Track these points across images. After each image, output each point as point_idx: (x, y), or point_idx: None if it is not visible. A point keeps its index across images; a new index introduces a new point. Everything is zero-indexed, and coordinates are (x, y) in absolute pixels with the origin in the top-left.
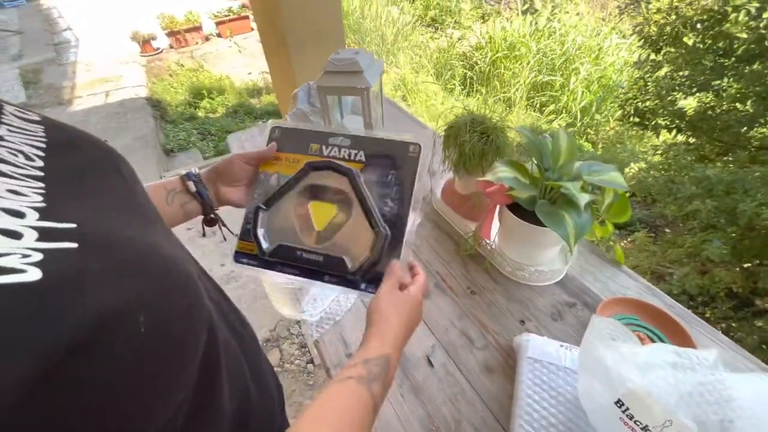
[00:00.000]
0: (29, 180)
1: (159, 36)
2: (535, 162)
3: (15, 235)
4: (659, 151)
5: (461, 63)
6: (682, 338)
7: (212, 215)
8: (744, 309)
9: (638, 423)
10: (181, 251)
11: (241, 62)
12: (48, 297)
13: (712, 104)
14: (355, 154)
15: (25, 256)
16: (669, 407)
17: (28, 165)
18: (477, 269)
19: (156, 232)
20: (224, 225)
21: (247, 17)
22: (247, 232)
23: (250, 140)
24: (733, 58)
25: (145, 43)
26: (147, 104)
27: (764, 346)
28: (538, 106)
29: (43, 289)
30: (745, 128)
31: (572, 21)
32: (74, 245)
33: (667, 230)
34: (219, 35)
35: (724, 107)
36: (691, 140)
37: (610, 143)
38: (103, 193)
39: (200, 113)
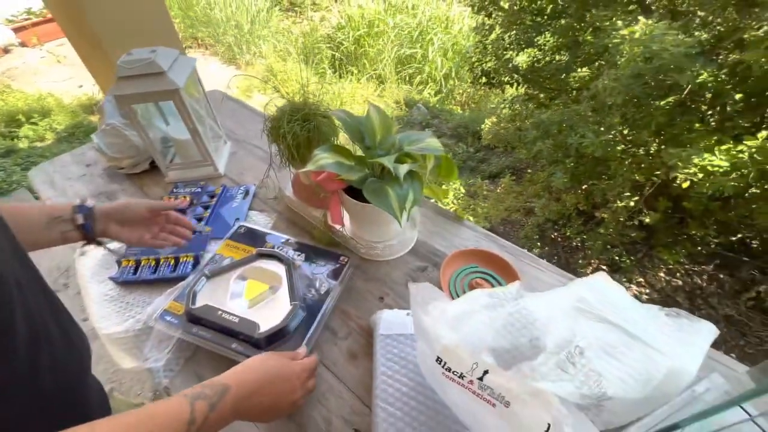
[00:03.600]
0: None
1: None
2: (356, 143)
3: None
4: (506, 105)
5: (327, 45)
6: (508, 272)
7: (94, 243)
8: (590, 222)
9: (455, 373)
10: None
11: (64, 74)
12: None
13: (538, 58)
14: (298, 255)
15: None
16: (475, 350)
17: None
18: None
19: None
20: (107, 248)
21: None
22: (182, 296)
23: (62, 170)
24: (545, 16)
25: None
26: None
27: (609, 247)
28: (407, 78)
29: None
30: (564, 74)
31: None
32: None
33: (529, 171)
34: (23, 45)
35: (546, 59)
36: (529, 91)
37: (475, 104)
38: None
39: (22, 144)
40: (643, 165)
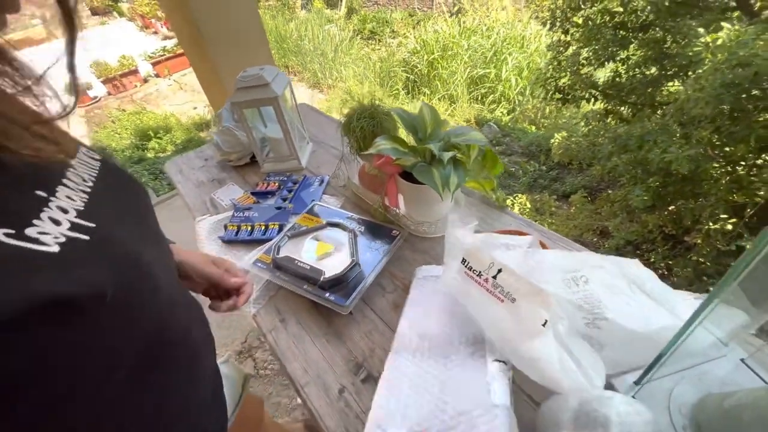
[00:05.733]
0: (81, 192)
1: (95, 85)
2: (411, 135)
3: (57, 223)
4: (579, 120)
5: (402, 69)
6: None
7: None
8: (679, 247)
9: (475, 271)
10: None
11: (184, 98)
12: (57, 263)
13: (620, 72)
14: (359, 227)
15: (56, 236)
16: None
17: (83, 184)
18: None
19: (147, 244)
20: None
21: (183, 54)
22: (269, 250)
23: (187, 163)
24: (629, 30)
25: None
26: None
27: (705, 278)
28: (479, 98)
29: (55, 258)
30: (651, 88)
31: (495, 16)
32: (86, 238)
33: (609, 191)
34: (157, 75)
35: (630, 73)
36: (608, 106)
37: (547, 120)
38: (124, 207)
39: (149, 154)
40: (743, 183)
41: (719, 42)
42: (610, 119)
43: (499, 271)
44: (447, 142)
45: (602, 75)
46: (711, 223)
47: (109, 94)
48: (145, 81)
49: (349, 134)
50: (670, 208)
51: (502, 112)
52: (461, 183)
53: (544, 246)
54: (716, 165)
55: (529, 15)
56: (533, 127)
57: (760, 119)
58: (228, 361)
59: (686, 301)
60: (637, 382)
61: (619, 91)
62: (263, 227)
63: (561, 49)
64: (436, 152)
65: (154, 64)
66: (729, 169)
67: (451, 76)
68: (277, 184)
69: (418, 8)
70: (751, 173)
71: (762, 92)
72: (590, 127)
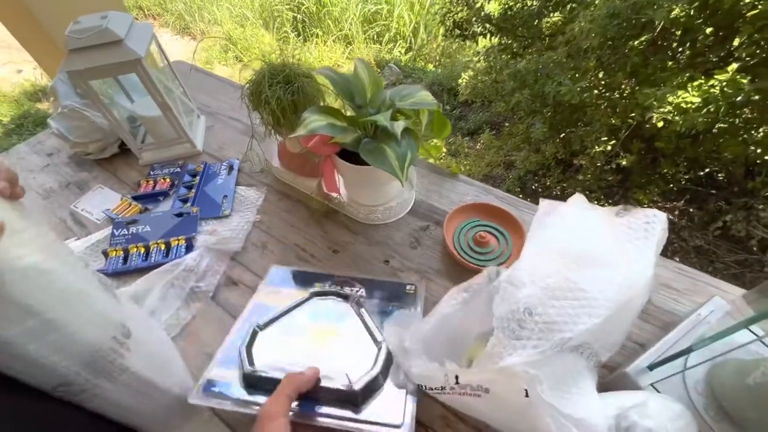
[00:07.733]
0: None
1: None
2: (346, 102)
3: None
4: (480, 57)
5: (287, 7)
6: (510, 222)
7: None
8: (569, 170)
9: (438, 389)
10: None
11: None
12: None
13: (509, 4)
14: (357, 291)
15: None
16: (455, 351)
17: None
18: (334, 226)
19: None
20: None
21: None
22: (227, 360)
23: (19, 163)
24: None
25: None
26: None
27: (588, 192)
28: (375, 37)
29: None
30: (536, 21)
31: None
32: None
33: (506, 125)
34: None
35: (518, 5)
36: (502, 41)
37: (448, 59)
38: None
39: None
40: (618, 108)
41: None
42: (504, 55)
43: (457, 376)
44: (391, 108)
45: (494, 8)
46: (596, 146)
47: None
48: None
49: (260, 108)
50: (561, 136)
51: (400, 52)
52: (414, 157)
53: (511, 222)
54: (597, 93)
55: None
56: (431, 66)
57: (634, 47)
58: None
59: (616, 229)
60: (651, 368)
61: (510, 24)
62: (163, 246)
63: None
64: (386, 125)
65: None
66: (608, 95)
67: (342, 13)
68: (168, 180)
69: None
70: (624, 98)
71: (637, 22)
72: (490, 63)
